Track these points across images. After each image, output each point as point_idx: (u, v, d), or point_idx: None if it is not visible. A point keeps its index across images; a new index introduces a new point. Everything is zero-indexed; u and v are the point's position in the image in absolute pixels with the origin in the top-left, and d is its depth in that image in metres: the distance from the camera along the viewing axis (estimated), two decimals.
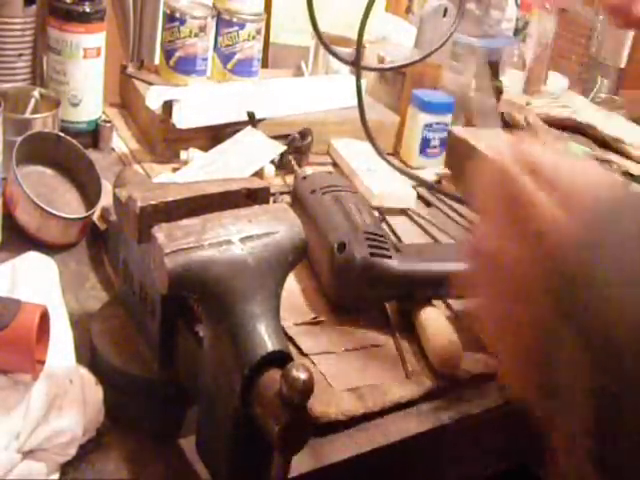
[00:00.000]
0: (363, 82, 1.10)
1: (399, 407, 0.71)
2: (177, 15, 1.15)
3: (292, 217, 0.62)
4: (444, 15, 1.24)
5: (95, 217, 0.85)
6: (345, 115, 1.18)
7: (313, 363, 0.73)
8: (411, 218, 1.05)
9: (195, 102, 1.07)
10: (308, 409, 0.51)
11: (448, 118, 1.19)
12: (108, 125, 1.08)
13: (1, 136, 0.80)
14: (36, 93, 0.99)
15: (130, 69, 1.19)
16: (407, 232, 1.00)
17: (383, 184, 1.06)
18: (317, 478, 0.64)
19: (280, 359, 0.53)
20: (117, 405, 0.62)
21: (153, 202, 0.59)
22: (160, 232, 0.57)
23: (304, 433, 0.52)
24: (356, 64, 1.04)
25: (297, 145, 1.10)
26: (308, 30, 1.12)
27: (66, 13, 1.00)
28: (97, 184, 0.87)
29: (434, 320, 0.78)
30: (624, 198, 0.35)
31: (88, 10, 1.01)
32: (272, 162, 1.08)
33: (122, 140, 1.12)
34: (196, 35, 1.16)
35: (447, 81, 1.24)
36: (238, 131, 1.08)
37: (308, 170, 1.03)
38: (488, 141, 1.12)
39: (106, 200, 0.83)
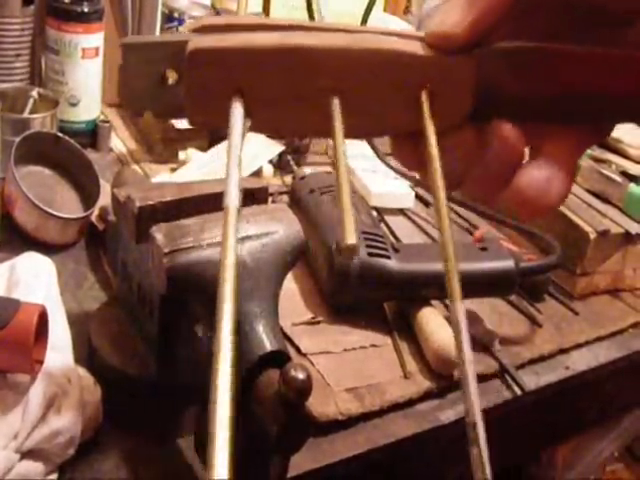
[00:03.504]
0: None
1: (397, 407, 0.71)
2: (176, 15, 1.15)
3: (291, 217, 0.62)
4: None
5: (93, 217, 0.85)
6: None
7: (311, 363, 0.73)
8: (409, 218, 1.05)
9: None
10: (306, 409, 0.51)
11: None
12: (106, 125, 1.08)
13: None
14: (34, 93, 0.98)
15: None
16: (405, 232, 1.00)
17: (381, 184, 1.06)
18: (316, 478, 0.64)
19: (278, 359, 0.53)
20: (116, 405, 0.62)
21: (151, 202, 0.59)
22: (159, 232, 0.57)
23: (302, 433, 0.52)
24: None
25: (296, 145, 1.10)
26: None
27: (64, 13, 1.00)
28: (95, 184, 0.87)
29: (432, 320, 0.78)
30: None
31: (86, 10, 1.00)
32: (270, 162, 1.08)
33: (120, 140, 1.12)
34: None
35: None
36: None
37: (307, 170, 1.03)
38: None
39: (104, 200, 0.83)
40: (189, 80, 0.29)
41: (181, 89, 0.30)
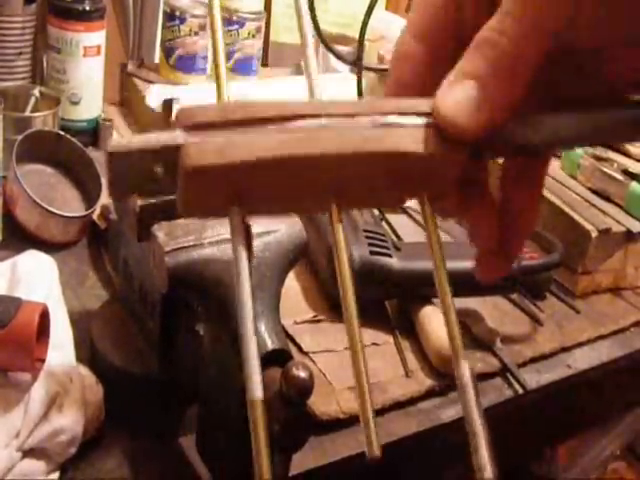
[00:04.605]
0: (363, 81, 1.10)
1: (399, 406, 0.71)
2: (177, 13, 1.15)
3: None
4: None
5: (95, 216, 0.85)
6: None
7: (313, 361, 0.73)
8: (411, 217, 1.05)
9: (195, 101, 1.06)
10: (308, 407, 0.51)
11: None
12: (108, 124, 1.08)
13: (1, 134, 0.80)
14: (36, 91, 0.99)
15: (130, 67, 1.19)
16: (407, 231, 1.00)
17: None
18: (317, 476, 0.64)
19: (280, 358, 0.53)
20: (117, 404, 0.62)
21: (153, 200, 0.59)
22: (160, 230, 0.57)
23: (304, 432, 0.52)
24: (358, 63, 1.04)
25: None
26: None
27: (66, 11, 1.00)
28: (97, 182, 0.87)
29: (434, 319, 0.78)
30: None
31: (88, 8, 1.00)
32: None
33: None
34: (196, 33, 1.16)
35: None
36: None
37: None
38: None
39: (106, 198, 0.83)
40: (184, 190, 0.30)
41: (169, 181, 0.30)
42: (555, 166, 1.09)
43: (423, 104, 0.31)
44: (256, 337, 0.27)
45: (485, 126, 0.30)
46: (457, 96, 0.30)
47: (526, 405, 0.79)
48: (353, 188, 0.31)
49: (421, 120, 0.30)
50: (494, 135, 0.31)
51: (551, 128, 0.32)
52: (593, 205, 0.99)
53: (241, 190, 0.29)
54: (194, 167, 0.29)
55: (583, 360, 0.85)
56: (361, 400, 0.27)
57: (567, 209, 0.96)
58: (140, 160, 0.30)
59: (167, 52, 1.18)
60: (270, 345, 0.53)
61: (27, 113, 0.96)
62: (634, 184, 0.99)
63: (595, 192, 1.02)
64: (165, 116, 1.05)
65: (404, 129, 0.30)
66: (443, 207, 0.34)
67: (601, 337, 0.89)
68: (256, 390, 0.27)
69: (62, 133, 0.91)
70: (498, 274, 0.38)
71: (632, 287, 0.99)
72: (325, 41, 1.04)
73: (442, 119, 0.30)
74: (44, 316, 0.60)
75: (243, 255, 0.28)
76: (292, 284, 0.84)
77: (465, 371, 0.27)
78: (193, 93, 1.10)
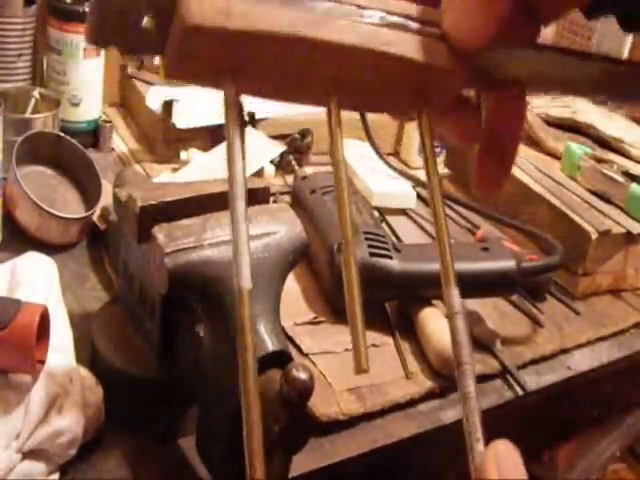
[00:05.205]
0: None
1: (399, 407, 0.71)
2: None
3: (292, 217, 0.62)
4: None
5: (95, 217, 0.85)
6: (345, 115, 1.18)
7: (313, 363, 0.73)
8: (411, 218, 1.05)
9: (195, 102, 1.07)
10: (308, 409, 0.51)
11: None
12: (108, 125, 1.08)
13: (1, 136, 0.80)
14: (36, 93, 0.99)
15: (130, 69, 1.19)
16: (407, 232, 1.00)
17: (383, 184, 1.06)
18: (317, 478, 0.64)
19: (280, 359, 0.53)
20: (117, 405, 0.62)
21: (153, 202, 0.59)
22: (160, 232, 0.57)
23: (304, 433, 0.52)
24: None
25: (297, 145, 1.10)
26: None
27: (66, 13, 1.00)
28: (97, 184, 0.87)
29: (434, 320, 0.78)
30: None
31: (88, 10, 1.00)
32: (272, 162, 1.08)
33: (122, 140, 1.12)
34: None
35: None
36: None
37: (308, 170, 1.03)
38: None
39: (106, 200, 0.83)
40: (177, 48, 0.27)
41: (157, 37, 0.27)
42: (555, 168, 1.09)
43: (431, 14, 0.30)
44: (249, 246, 0.26)
45: (489, 33, 0.30)
46: (462, 3, 0.30)
47: (526, 407, 0.79)
48: (354, 85, 0.30)
49: (429, 29, 0.30)
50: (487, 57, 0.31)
51: (534, 60, 0.32)
52: (593, 207, 0.99)
53: (239, 62, 0.27)
54: (196, 25, 0.26)
55: (583, 362, 0.85)
56: (351, 312, 0.26)
57: (567, 211, 0.96)
58: (129, 3, 0.26)
59: None
60: (270, 347, 0.53)
61: (27, 115, 0.96)
62: (634, 186, 0.99)
63: (595, 194, 1.02)
64: (165, 117, 1.05)
65: (411, 35, 0.29)
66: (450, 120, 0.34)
67: (601, 339, 0.89)
68: (244, 279, 0.25)
69: (62, 134, 0.91)
70: (497, 183, 0.37)
71: (632, 288, 0.99)
72: None
73: (448, 28, 0.30)
74: (44, 317, 0.60)
75: (236, 131, 0.27)
76: (292, 285, 0.84)
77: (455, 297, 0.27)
78: (193, 94, 1.09)
